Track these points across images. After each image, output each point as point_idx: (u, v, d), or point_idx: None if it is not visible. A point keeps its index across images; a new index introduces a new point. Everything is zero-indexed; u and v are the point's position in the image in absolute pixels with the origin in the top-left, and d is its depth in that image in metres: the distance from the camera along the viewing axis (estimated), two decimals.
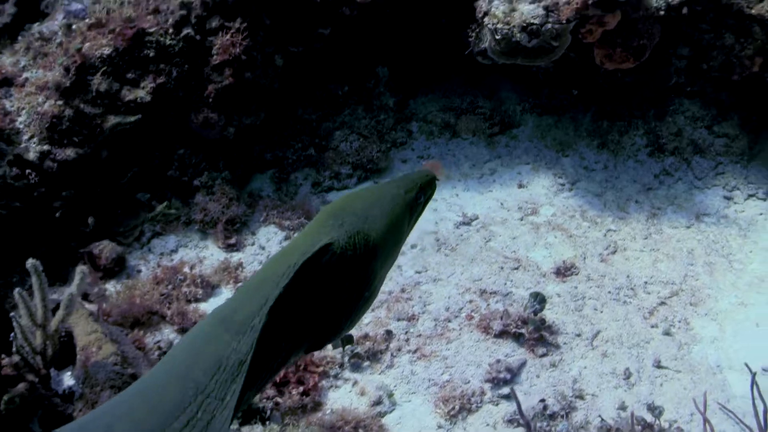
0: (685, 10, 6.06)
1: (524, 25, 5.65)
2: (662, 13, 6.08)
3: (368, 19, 6.53)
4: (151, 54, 5.99)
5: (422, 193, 2.55)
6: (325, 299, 2.17)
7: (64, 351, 4.13)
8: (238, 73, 6.09)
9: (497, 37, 5.83)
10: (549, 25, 5.68)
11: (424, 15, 6.67)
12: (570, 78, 6.85)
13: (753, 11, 5.86)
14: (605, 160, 6.67)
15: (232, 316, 1.97)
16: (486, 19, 5.92)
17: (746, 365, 4.37)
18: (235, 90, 6.16)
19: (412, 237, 4.91)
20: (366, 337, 4.99)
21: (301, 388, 4.48)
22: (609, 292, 5.42)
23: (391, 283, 5.43)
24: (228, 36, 5.97)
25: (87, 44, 5.85)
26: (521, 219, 6.17)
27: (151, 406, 1.80)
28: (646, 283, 5.52)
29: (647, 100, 6.80)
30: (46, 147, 5.68)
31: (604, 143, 6.77)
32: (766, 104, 6.62)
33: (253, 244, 6.01)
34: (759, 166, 6.53)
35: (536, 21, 5.66)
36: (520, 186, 6.52)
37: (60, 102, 5.76)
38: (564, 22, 5.66)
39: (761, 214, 6.21)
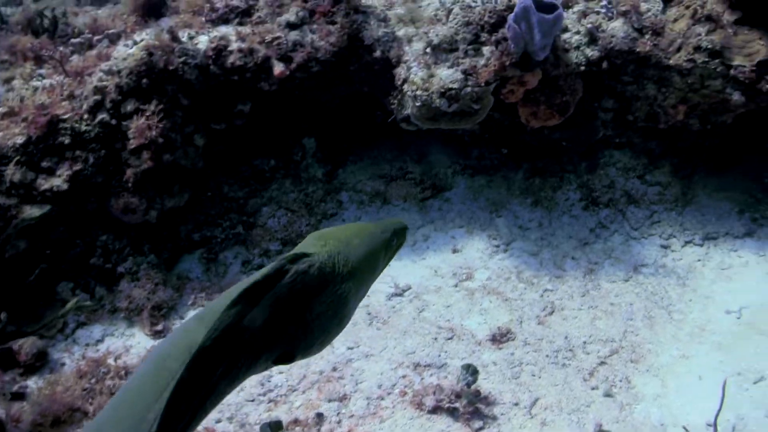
0: (605, 65, 6.06)
1: (442, 90, 5.60)
2: (583, 68, 6.09)
3: (289, 92, 6.46)
4: (67, 141, 5.84)
5: (395, 236, 2.71)
6: (302, 310, 2.17)
7: None
8: (157, 156, 5.94)
9: (417, 104, 5.77)
10: (468, 89, 5.64)
11: (345, 86, 6.59)
12: (498, 137, 6.80)
13: (671, 62, 5.88)
14: (540, 218, 6.59)
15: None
16: (405, 86, 5.87)
17: (684, 429, 4.23)
18: (155, 173, 6.01)
19: None
20: (296, 421, 4.78)
21: None
22: (547, 356, 5.26)
23: (322, 361, 5.24)
24: (143, 119, 5.83)
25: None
26: (456, 285, 6.03)
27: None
28: (585, 342, 5.38)
29: (578, 154, 6.76)
30: None
31: (538, 200, 6.70)
32: (694, 150, 6.62)
33: None
34: (694, 212, 6.49)
35: (455, 86, 5.62)
36: (455, 251, 6.39)
37: None
38: (483, 84, 5.62)
39: (699, 260, 6.15)
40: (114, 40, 6.56)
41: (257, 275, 1.98)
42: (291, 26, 6.15)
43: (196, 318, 1.95)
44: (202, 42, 6.16)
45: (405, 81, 5.87)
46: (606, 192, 6.60)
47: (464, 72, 5.63)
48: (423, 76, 5.73)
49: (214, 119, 6.35)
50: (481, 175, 6.97)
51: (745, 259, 6.08)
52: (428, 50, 5.82)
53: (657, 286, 5.88)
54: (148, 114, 5.87)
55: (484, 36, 5.73)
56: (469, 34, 5.75)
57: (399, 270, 6.19)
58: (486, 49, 5.69)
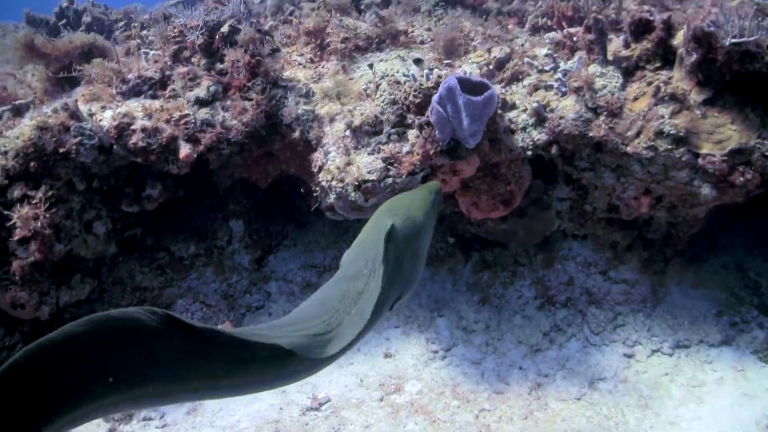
0: (554, 150, 5.31)
1: (357, 183, 4.87)
2: (530, 153, 5.34)
3: (210, 171, 5.80)
4: None
5: (437, 194, 3.57)
6: (398, 263, 2.92)
7: None
8: (47, 247, 5.26)
9: (333, 196, 5.05)
10: (389, 180, 4.90)
11: (273, 165, 5.91)
12: (444, 225, 6.04)
13: (629, 149, 5.09)
14: (487, 319, 5.78)
15: (346, 271, 2.90)
16: (321, 175, 5.15)
17: None
18: (46, 265, 5.34)
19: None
20: None
21: None
22: None
23: None
24: (28, 208, 5.16)
25: None
26: (381, 399, 5.23)
27: (301, 316, 2.63)
28: None
29: (532, 246, 5.97)
30: None
31: (486, 298, 5.90)
32: (666, 241, 5.80)
33: None
34: (664, 314, 5.65)
35: (372, 177, 4.89)
36: (387, 355, 5.62)
37: None
38: (405, 176, 4.88)
39: (666, 374, 5.30)
40: (20, 111, 5.94)
41: (383, 237, 2.74)
42: (201, 103, 5.49)
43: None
44: (106, 119, 5.52)
45: (321, 168, 5.16)
46: (564, 290, 5.80)
47: (385, 160, 4.90)
48: (339, 164, 5.01)
49: (117, 205, 5.68)
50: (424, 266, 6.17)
51: (720, 374, 5.22)
52: (348, 132, 5.11)
53: (613, 408, 5.04)
54: (35, 202, 5.21)
55: (410, 117, 5.01)
56: (393, 115, 5.03)
57: (322, 377, 5.44)
58: (411, 133, 4.96)
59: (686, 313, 5.63)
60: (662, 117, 5.00)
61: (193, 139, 5.35)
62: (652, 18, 5.31)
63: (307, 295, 5.76)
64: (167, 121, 5.39)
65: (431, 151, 4.77)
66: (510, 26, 6.63)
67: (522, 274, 5.94)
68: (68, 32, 8.11)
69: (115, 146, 5.43)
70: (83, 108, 5.63)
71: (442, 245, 6.17)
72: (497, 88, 5.61)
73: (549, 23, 6.35)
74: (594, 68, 5.33)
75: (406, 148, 4.92)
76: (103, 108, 5.66)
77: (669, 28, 5.28)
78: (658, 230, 5.74)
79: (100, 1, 9.03)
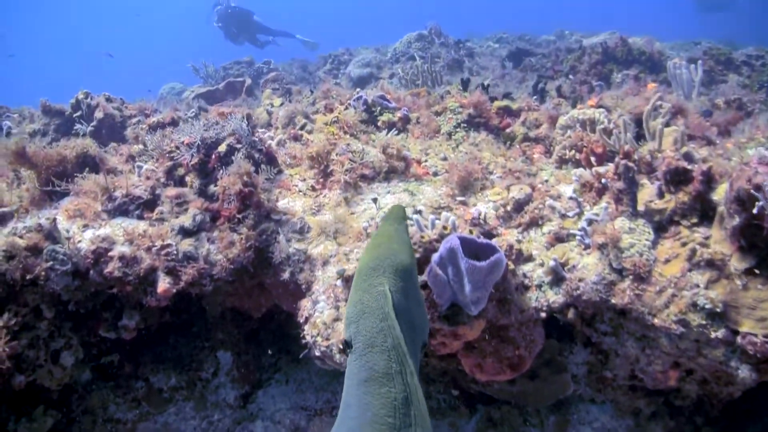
0: (572, 314, 4.71)
1: (342, 346, 4.32)
2: (543, 314, 4.75)
3: (195, 299, 5.32)
4: None
5: (404, 219, 3.40)
6: (407, 312, 2.88)
7: None
8: (5, 379, 4.79)
9: (317, 353, 4.50)
10: None
11: (265, 297, 5.41)
12: (447, 378, 5.44)
13: (656, 321, 4.46)
14: None
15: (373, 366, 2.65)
16: (306, 328, 4.62)
17: None
18: (8, 395, 4.87)
19: None
20: None
21: None
22: None
23: None
24: None
25: None
26: None
27: None
28: None
29: (544, 407, 5.33)
30: None
31: None
32: (697, 408, 5.12)
33: None
34: None
35: None
36: None
37: None
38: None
39: None
40: (4, 219, 5.56)
41: (389, 304, 2.74)
42: (185, 232, 5.03)
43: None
44: (86, 240, 5.08)
45: (307, 320, 4.62)
46: None
47: None
48: (326, 320, 4.47)
49: (90, 334, 5.21)
50: None
51: None
52: (339, 282, 4.58)
53: None
54: None
55: None
56: None
57: None
58: None
59: None
60: (697, 286, 4.37)
61: (173, 272, 4.88)
62: (690, 168, 4.75)
63: None
64: (148, 250, 4.93)
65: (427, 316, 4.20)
66: (535, 155, 6.11)
67: None
68: (82, 125, 7.85)
69: (91, 271, 4.98)
70: (63, 226, 5.22)
71: (445, 397, 5.55)
72: (513, 234, 5.06)
73: (577, 156, 5.83)
74: (622, 222, 4.75)
75: None
76: (85, 227, 5.23)
77: (709, 181, 4.71)
78: (687, 398, 5.07)
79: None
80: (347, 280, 4.56)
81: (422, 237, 4.39)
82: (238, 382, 5.75)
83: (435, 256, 4.15)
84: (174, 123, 6.81)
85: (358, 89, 7.66)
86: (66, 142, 5.87)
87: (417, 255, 4.39)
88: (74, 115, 8.30)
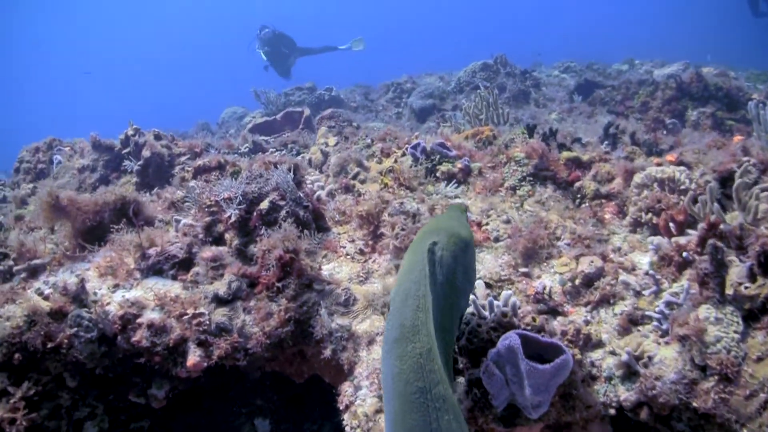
0: (645, 414, 4.14)
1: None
2: (612, 412, 4.19)
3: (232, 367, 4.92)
4: None
5: (465, 210, 3.83)
6: (452, 281, 3.01)
7: None
8: None
9: None
10: None
11: (307, 366, 4.98)
12: None
13: (745, 431, 3.88)
14: None
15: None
16: (346, 417, 4.16)
17: None
18: None
19: None
20: None
21: None
22: None
23: None
24: (6, 409, 4.38)
25: None
26: None
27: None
28: None
29: None
30: None
31: None
32: None
33: None
34: None
35: None
36: None
37: None
38: None
39: None
40: (36, 272, 5.28)
41: (426, 269, 2.80)
42: (220, 301, 4.62)
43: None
44: (115, 303, 4.73)
45: (347, 408, 4.16)
46: None
47: None
48: (368, 411, 4.00)
49: (133, 391, 4.86)
50: None
51: None
52: None
53: None
54: (14, 401, 4.42)
55: (460, 362, 3.98)
56: None
57: None
58: (459, 387, 3.92)
59: None
60: None
61: (205, 345, 4.48)
62: None
63: None
64: (179, 318, 4.54)
65: (480, 419, 3.71)
66: (606, 215, 5.55)
67: None
68: (131, 162, 7.58)
69: (119, 337, 4.62)
70: (93, 285, 4.88)
71: None
72: (581, 313, 4.53)
73: (654, 220, 5.26)
74: (707, 311, 4.16)
75: None
76: (116, 287, 4.88)
77: None
78: None
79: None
80: None
81: (479, 325, 3.89)
82: None
83: (492, 351, 3.65)
84: (221, 167, 6.45)
85: (417, 133, 7.19)
86: (99, 192, 5.55)
87: (471, 346, 3.90)
88: (123, 152, 8.04)
